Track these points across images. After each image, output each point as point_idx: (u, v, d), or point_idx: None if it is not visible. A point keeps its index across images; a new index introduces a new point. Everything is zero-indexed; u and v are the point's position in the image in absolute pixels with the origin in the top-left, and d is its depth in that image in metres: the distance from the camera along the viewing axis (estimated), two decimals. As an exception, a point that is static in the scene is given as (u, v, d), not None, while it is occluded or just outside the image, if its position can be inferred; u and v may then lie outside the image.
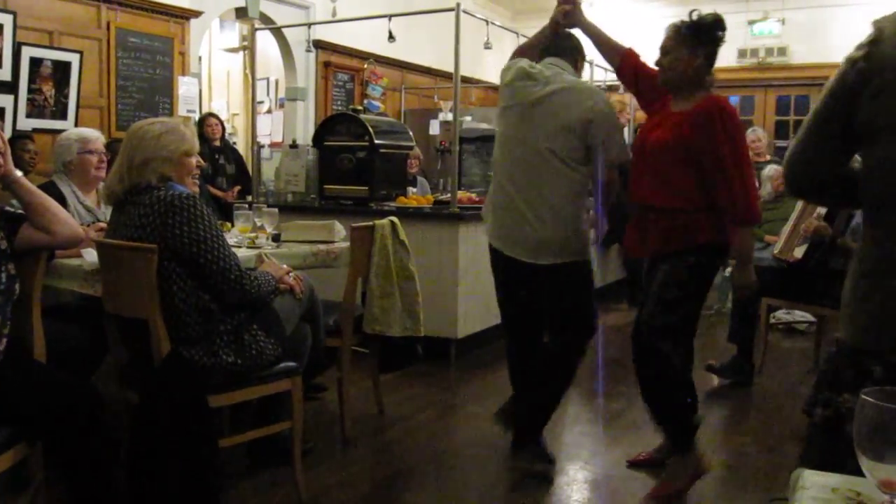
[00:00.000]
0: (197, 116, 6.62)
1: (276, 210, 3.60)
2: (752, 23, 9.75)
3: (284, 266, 2.88)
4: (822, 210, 4.27)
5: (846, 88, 1.32)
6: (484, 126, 7.68)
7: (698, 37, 2.73)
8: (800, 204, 4.51)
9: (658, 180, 2.77)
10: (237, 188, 6.49)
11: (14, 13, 5.14)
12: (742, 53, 9.81)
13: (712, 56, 2.77)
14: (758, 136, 7.16)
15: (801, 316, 5.83)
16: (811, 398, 1.44)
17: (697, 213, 2.74)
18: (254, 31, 6.25)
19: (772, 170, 5.88)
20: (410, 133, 5.69)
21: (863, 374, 1.29)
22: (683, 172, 2.72)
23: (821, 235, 4.23)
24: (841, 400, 1.33)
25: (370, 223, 3.41)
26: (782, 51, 9.63)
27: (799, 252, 4.31)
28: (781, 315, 5.90)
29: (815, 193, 1.56)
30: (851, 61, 1.31)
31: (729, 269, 6.63)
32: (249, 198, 5.66)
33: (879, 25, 1.30)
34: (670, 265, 2.78)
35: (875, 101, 1.27)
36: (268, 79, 8.88)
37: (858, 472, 0.89)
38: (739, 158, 2.66)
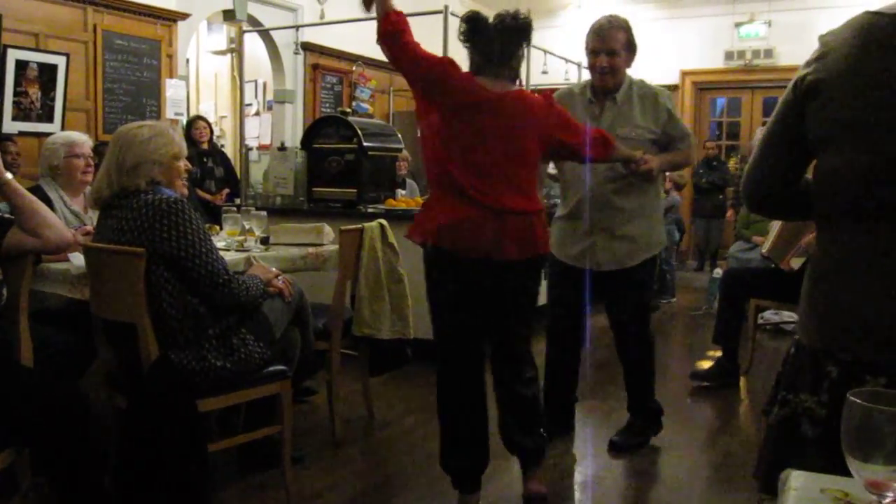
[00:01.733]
0: (185, 119, 6.60)
1: (264, 213, 3.58)
2: (738, 25, 9.81)
3: (273, 269, 2.87)
4: None
5: (796, 104, 1.36)
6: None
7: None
8: None
9: None
10: (226, 191, 6.47)
11: (-1, 15, 5.11)
12: (729, 55, 9.87)
13: (477, 51, 2.66)
14: None
15: (788, 316, 5.86)
16: (769, 399, 1.46)
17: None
18: (241, 33, 6.23)
19: None
20: (399, 135, 5.70)
21: (820, 376, 1.33)
22: None
23: None
24: (798, 400, 1.36)
25: (359, 226, 3.40)
26: (769, 53, 9.69)
27: (796, 263, 4.29)
28: (769, 315, 5.93)
29: (771, 209, 1.60)
30: (800, 78, 1.35)
31: (717, 270, 6.70)
32: (238, 201, 5.64)
33: (825, 40, 1.34)
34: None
35: (823, 111, 1.31)
36: (256, 81, 8.86)
37: (842, 472, 0.90)
38: None
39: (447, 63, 2.68)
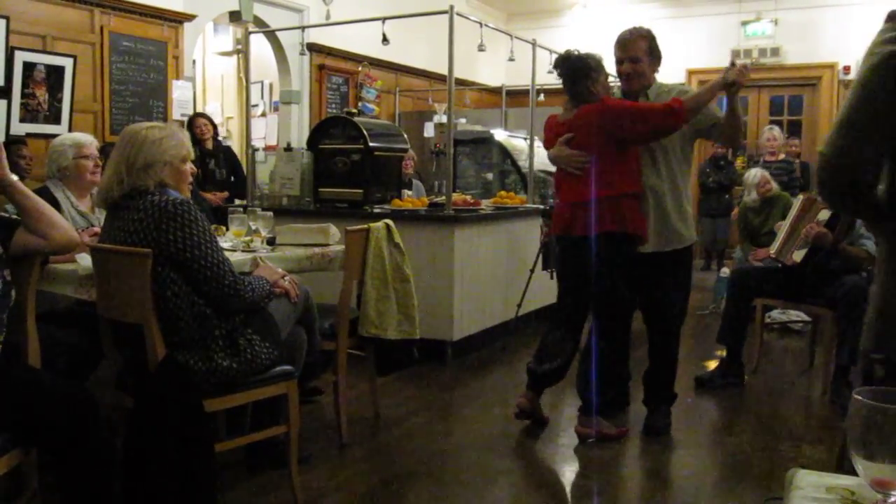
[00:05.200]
0: (189, 120, 6.57)
1: (270, 213, 3.59)
2: (745, 24, 9.79)
3: (279, 270, 2.88)
4: (823, 216, 4.24)
5: (890, 80, 1.23)
6: (478, 128, 7.68)
7: None
8: (797, 205, 4.49)
9: None
10: (224, 193, 6.22)
11: (7, 17, 5.13)
12: (735, 54, 9.83)
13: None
14: (773, 134, 6.98)
15: (796, 316, 5.84)
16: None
17: None
18: (247, 34, 6.24)
19: (757, 176, 5.69)
20: (405, 135, 5.70)
21: (868, 375, 1.32)
22: None
23: (821, 242, 4.21)
24: None
25: (365, 226, 3.41)
26: (775, 51, 9.66)
27: (798, 256, 4.28)
28: (776, 315, 5.91)
29: (852, 199, 1.38)
30: (891, 54, 1.22)
31: (724, 270, 6.67)
32: (244, 201, 5.64)
33: None
34: None
35: None
36: (262, 82, 8.88)
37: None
38: None
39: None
